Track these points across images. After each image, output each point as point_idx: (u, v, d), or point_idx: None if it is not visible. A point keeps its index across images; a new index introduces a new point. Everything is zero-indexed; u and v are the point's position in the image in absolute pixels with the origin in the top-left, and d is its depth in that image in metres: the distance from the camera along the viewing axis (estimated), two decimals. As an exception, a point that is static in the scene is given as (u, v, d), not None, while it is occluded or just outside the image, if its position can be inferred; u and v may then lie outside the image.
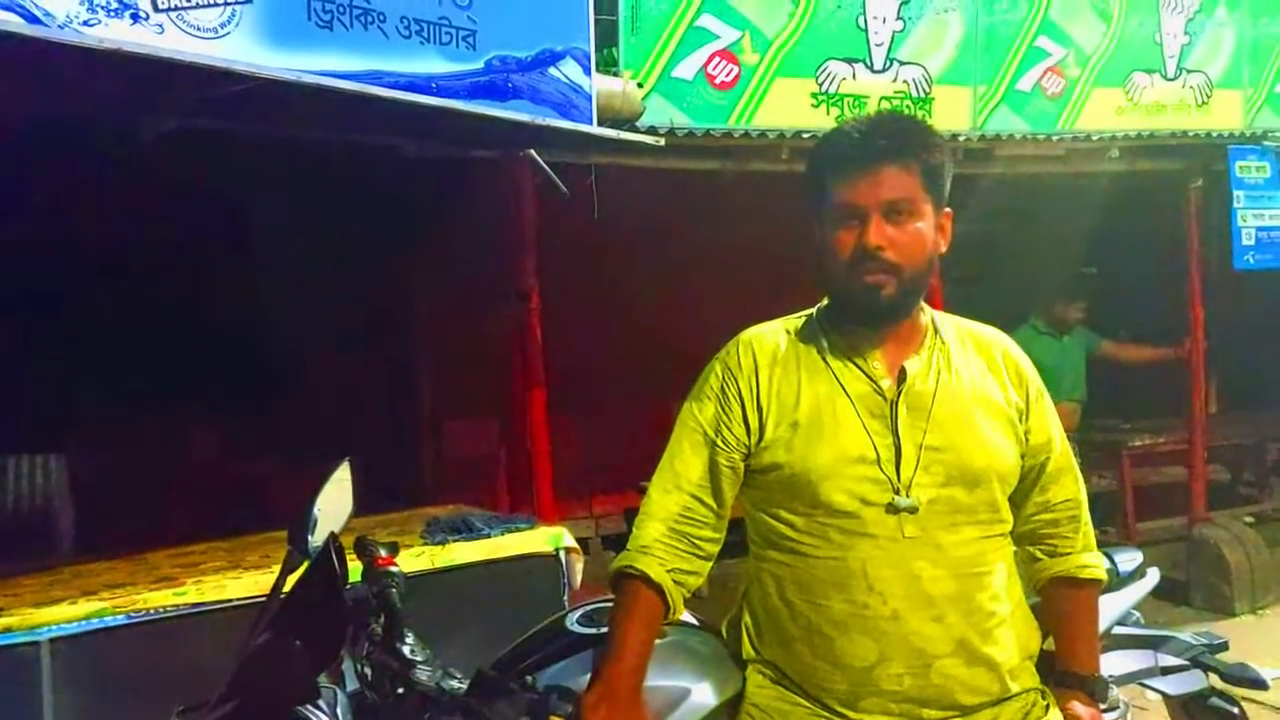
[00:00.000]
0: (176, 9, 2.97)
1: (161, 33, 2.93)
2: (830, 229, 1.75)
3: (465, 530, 3.63)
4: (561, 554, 3.69)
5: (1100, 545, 1.96)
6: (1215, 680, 2.58)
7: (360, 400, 6.14)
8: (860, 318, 1.78)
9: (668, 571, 1.77)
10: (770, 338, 1.86)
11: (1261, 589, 5.92)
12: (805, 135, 4.78)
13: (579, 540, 3.90)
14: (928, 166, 1.74)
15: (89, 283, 5.57)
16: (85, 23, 2.81)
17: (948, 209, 1.80)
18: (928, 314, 1.85)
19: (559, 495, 4.65)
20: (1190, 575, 5.99)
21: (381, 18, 3.44)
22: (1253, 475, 7.65)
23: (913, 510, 1.70)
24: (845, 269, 1.74)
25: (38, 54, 2.73)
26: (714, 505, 1.81)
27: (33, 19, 2.70)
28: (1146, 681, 2.55)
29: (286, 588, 1.82)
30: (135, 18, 2.90)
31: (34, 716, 2.80)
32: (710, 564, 1.84)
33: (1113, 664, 2.34)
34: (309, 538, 1.86)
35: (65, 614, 2.88)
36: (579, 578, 3.75)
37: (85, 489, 4.55)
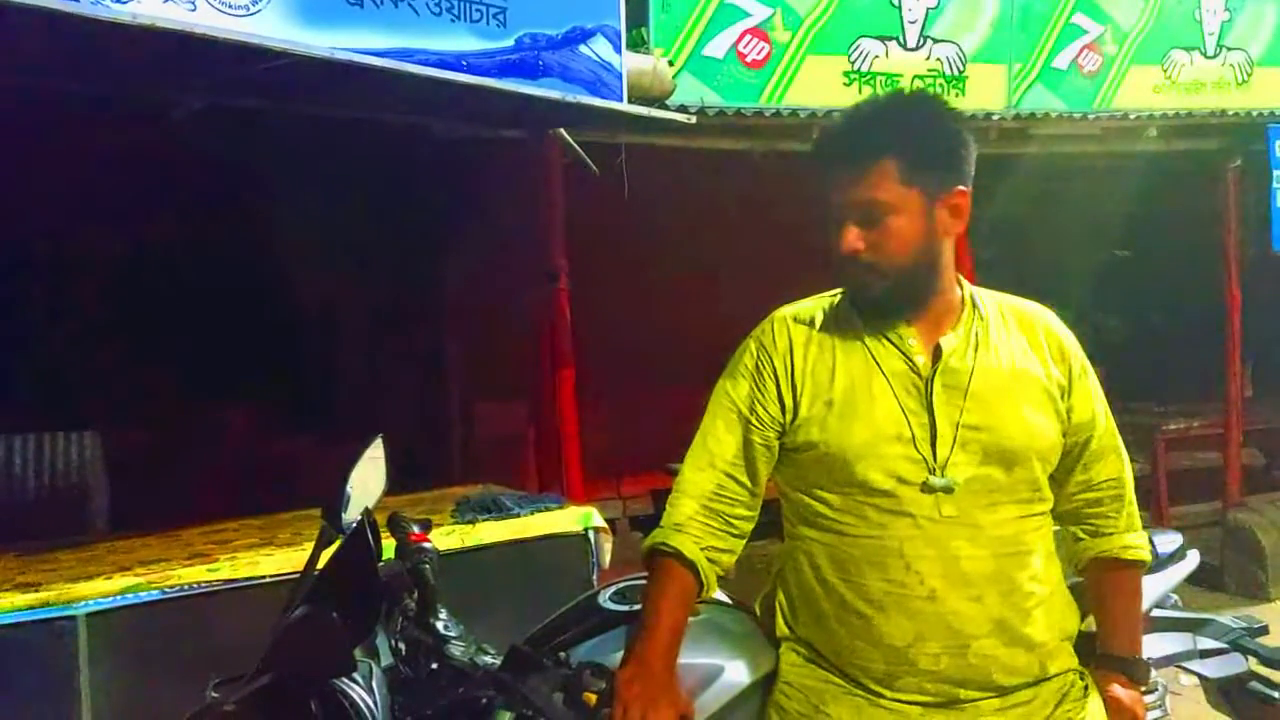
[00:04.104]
0: (209, -14, 2.97)
1: (194, 9, 2.94)
2: (828, 225, 1.75)
3: (495, 510, 3.64)
4: (591, 534, 3.70)
5: (1136, 529, 1.92)
6: (1255, 664, 2.55)
7: (391, 381, 6.16)
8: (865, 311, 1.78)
9: (702, 549, 1.76)
10: (805, 315, 1.84)
11: (1296, 574, 5.85)
12: (837, 114, 4.72)
13: (607, 522, 3.90)
14: (912, 157, 1.68)
15: (123, 261, 5.62)
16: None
17: (961, 187, 1.73)
18: (966, 289, 1.81)
19: (587, 477, 4.65)
20: (1224, 560, 5.93)
21: (413, -5, 3.43)
22: (1288, 460, 7.55)
23: (948, 489, 1.68)
24: (836, 268, 1.76)
25: (71, 29, 2.74)
26: (748, 483, 1.80)
27: (67, -6, 2.71)
28: (1185, 664, 2.52)
29: (321, 563, 1.82)
30: (168, -6, 2.90)
31: (70, 689, 2.84)
32: (744, 542, 1.82)
33: (1151, 646, 2.30)
34: (343, 514, 1.86)
35: (101, 589, 2.93)
36: (608, 557, 3.75)
37: (120, 467, 4.60)
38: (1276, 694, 2.49)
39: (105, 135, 4.66)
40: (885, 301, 1.74)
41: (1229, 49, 6.05)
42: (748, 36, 4.70)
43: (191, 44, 2.87)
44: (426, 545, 1.98)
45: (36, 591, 2.86)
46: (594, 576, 3.63)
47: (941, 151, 1.72)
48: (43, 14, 2.58)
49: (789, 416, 1.77)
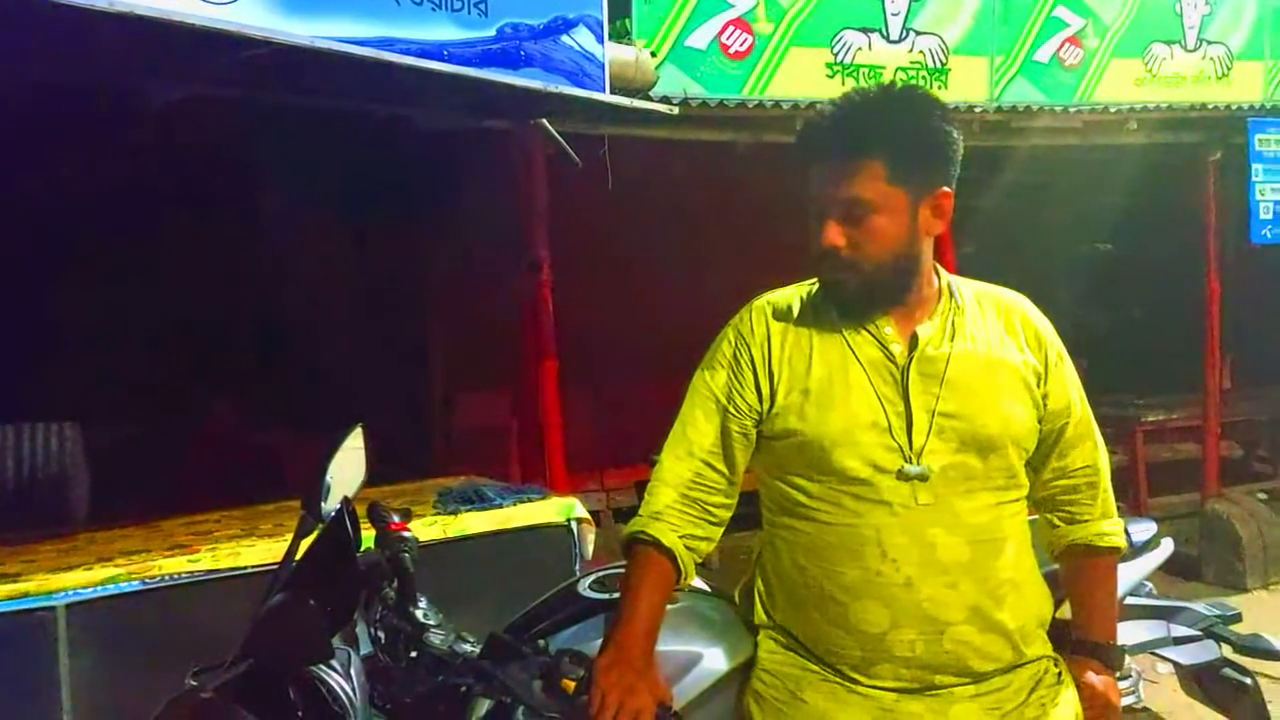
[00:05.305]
0: (188, -26, 2.95)
1: (172, -3, 2.91)
2: (809, 217, 1.75)
3: (477, 500, 3.64)
4: (573, 524, 3.70)
5: (1114, 517, 1.94)
6: (1228, 651, 2.58)
7: (373, 372, 6.15)
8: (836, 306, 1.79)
9: (680, 537, 1.76)
10: (783, 304, 1.85)
11: (1274, 564, 5.92)
12: (825, 105, 4.73)
13: (590, 513, 3.91)
14: (898, 157, 1.68)
15: (103, 252, 5.58)
16: (96, -13, 2.78)
17: (946, 188, 1.74)
18: (943, 278, 1.82)
19: (571, 468, 4.65)
20: (1202, 551, 5.99)
21: (393, -16, 3.41)
22: (1266, 451, 7.64)
23: (923, 477, 1.69)
24: (814, 261, 1.76)
25: (46, 16, 2.71)
26: (726, 472, 1.80)
27: (43, -18, 2.67)
28: (1159, 651, 2.54)
29: (300, 552, 1.82)
30: (147, -18, 2.87)
31: (51, 679, 2.83)
32: (722, 530, 1.83)
33: (1125, 634, 2.33)
34: (322, 503, 1.86)
35: (81, 579, 2.91)
36: (590, 548, 3.75)
37: (101, 458, 4.57)
38: (1249, 680, 2.52)
39: (84, 125, 4.63)
40: (860, 297, 1.74)
41: (1209, 43, 6.08)
42: (730, 28, 4.70)
43: (170, 32, 2.85)
44: (406, 534, 1.97)
45: (16, 582, 2.85)
46: (576, 568, 3.63)
47: (930, 152, 1.72)
48: None
49: (766, 405, 1.78)
